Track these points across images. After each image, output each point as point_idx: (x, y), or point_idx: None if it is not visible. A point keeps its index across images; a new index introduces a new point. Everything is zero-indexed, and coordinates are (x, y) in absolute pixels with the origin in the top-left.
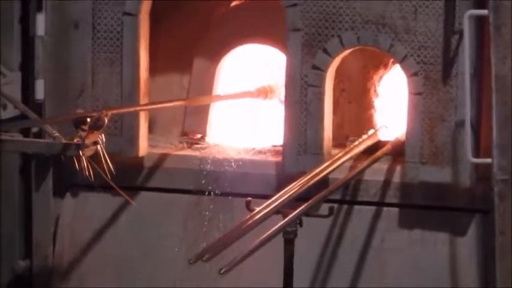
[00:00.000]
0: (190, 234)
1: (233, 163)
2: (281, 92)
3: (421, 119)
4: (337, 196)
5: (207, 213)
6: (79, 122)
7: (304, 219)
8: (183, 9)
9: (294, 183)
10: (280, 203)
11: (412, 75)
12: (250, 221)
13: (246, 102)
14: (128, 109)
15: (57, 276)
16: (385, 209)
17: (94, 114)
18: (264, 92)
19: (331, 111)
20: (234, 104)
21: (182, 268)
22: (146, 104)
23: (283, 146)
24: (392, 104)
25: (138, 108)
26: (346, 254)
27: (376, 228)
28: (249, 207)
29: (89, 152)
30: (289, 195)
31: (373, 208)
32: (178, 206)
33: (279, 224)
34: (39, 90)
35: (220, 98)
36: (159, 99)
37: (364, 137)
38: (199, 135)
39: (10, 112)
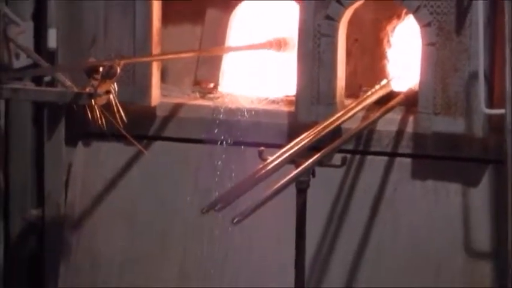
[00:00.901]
0: (202, 184)
1: (246, 113)
2: (295, 45)
3: (434, 69)
4: (350, 146)
5: (219, 162)
6: (91, 71)
7: (317, 169)
8: None
9: (307, 133)
10: (293, 152)
11: (425, 25)
12: (263, 171)
13: (259, 52)
14: (141, 59)
15: (68, 225)
16: (397, 159)
17: (106, 63)
18: (278, 45)
19: (344, 61)
20: (247, 53)
21: (194, 218)
22: (159, 55)
23: (296, 95)
24: (406, 55)
25: (150, 58)
26: (359, 204)
27: (388, 178)
28: (261, 156)
29: (102, 101)
30: (302, 145)
31: (385, 158)
32: (191, 155)
33: (291, 174)
34: (52, 39)
35: (233, 49)
36: (172, 48)
37: (377, 87)
38: (212, 85)
39: (23, 61)
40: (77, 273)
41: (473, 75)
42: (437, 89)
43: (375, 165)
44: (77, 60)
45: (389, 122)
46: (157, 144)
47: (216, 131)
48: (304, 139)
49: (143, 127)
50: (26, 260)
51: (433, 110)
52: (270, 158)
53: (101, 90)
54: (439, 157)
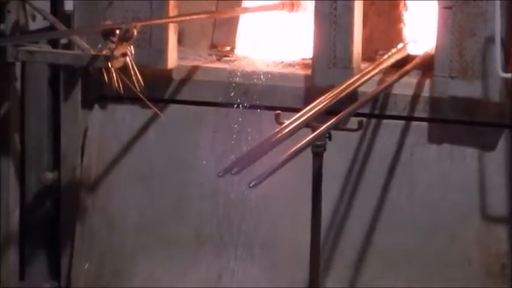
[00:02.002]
0: (218, 147)
1: (262, 76)
2: (307, 6)
3: (450, 33)
4: (366, 110)
5: (235, 126)
6: (108, 34)
7: (333, 132)
8: None
9: (323, 96)
10: (309, 116)
11: None
12: (279, 134)
13: (275, 14)
14: (157, 21)
15: (85, 188)
16: (414, 123)
17: (123, 26)
18: (290, 6)
19: (361, 25)
20: (264, 16)
21: (211, 181)
22: (174, 16)
23: (313, 59)
24: (422, 18)
25: (166, 20)
26: (375, 167)
27: (405, 142)
28: (278, 120)
29: (118, 63)
30: (319, 109)
31: (402, 122)
32: (207, 118)
33: (308, 138)
34: (68, 2)
35: (245, 10)
36: (188, 11)
37: (394, 51)
38: (228, 48)
39: (39, 23)
40: (92, 236)
41: (490, 39)
42: (453, 52)
43: (391, 129)
44: (94, 23)
45: (405, 86)
46: (174, 107)
47: (232, 94)
48: (320, 103)
49: (159, 90)
50: (42, 222)
51: (449, 74)
52: (286, 122)
53: (118, 52)
54: (455, 121)
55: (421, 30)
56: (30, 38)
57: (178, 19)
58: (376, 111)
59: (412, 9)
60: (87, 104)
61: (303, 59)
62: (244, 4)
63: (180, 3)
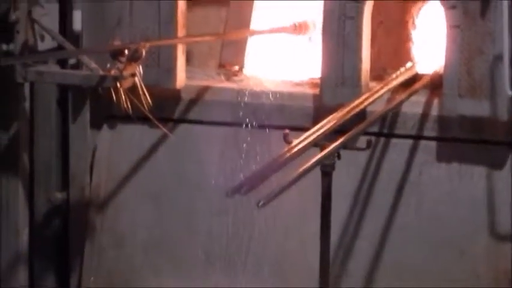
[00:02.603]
0: (227, 167)
1: (270, 95)
2: (315, 29)
3: (459, 52)
4: (374, 129)
5: (244, 145)
6: (117, 54)
7: (342, 151)
8: None
9: (332, 115)
10: (318, 135)
11: (450, 7)
12: (288, 154)
13: (283, 35)
14: (166, 41)
15: (93, 207)
16: (422, 142)
17: (132, 45)
18: (298, 28)
19: (369, 44)
20: (272, 36)
21: (219, 200)
22: (183, 37)
23: (321, 78)
24: (430, 37)
25: (175, 41)
26: (384, 186)
27: (413, 161)
28: (286, 139)
29: (127, 83)
30: (327, 128)
31: (410, 141)
32: (216, 138)
33: (316, 157)
34: (77, 21)
35: (253, 32)
36: (197, 30)
37: (402, 69)
38: (236, 67)
39: (48, 43)
40: (101, 254)
41: (498, 58)
42: (462, 71)
43: (399, 147)
44: (102, 43)
45: (414, 105)
46: (182, 127)
47: (240, 113)
48: (329, 122)
49: (168, 110)
50: (51, 241)
51: (458, 93)
52: (295, 141)
53: (126, 72)
54: (464, 140)
55: (429, 49)
56: (39, 57)
57: (186, 40)
58: (385, 130)
59: (420, 28)
60: (95, 124)
61: (312, 78)
62: (253, 24)
63: (188, 22)
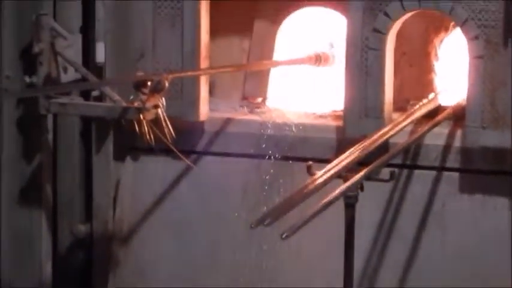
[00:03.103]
0: (250, 199)
1: (294, 127)
2: (334, 60)
3: (482, 83)
4: (397, 160)
5: (267, 177)
6: (140, 85)
7: (365, 183)
8: None
9: (355, 147)
10: (341, 167)
11: (472, 38)
12: (312, 186)
13: (306, 67)
14: (189, 73)
15: (117, 240)
16: (445, 173)
17: (155, 77)
18: (317, 60)
19: (392, 75)
20: (295, 68)
21: (243, 232)
22: (206, 69)
23: (344, 110)
24: (453, 68)
25: (198, 72)
26: (407, 218)
27: (436, 192)
28: (310, 171)
29: (150, 115)
30: (350, 160)
31: (433, 172)
32: (239, 170)
33: (340, 189)
34: (100, 53)
35: (271, 64)
36: (220, 62)
37: (425, 101)
38: (259, 99)
39: (71, 75)
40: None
41: None
42: (485, 102)
43: (422, 179)
44: (125, 75)
45: (437, 136)
46: (206, 159)
47: (263, 145)
48: (352, 154)
49: (191, 141)
50: (74, 275)
51: (480, 124)
52: (318, 173)
53: (149, 104)
54: (487, 171)
55: (452, 80)
56: (61, 89)
57: (209, 71)
58: (408, 162)
59: (443, 59)
60: (119, 156)
61: (334, 111)
62: (275, 55)
63: (211, 53)
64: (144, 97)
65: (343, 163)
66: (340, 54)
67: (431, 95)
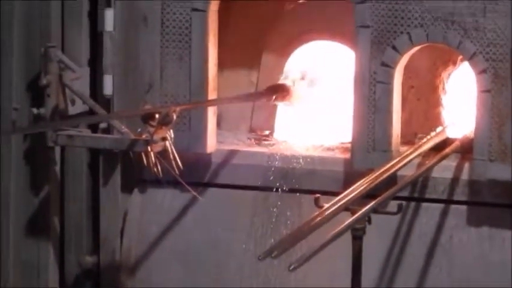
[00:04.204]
0: (257, 231)
1: (301, 160)
2: (299, 94)
3: (489, 116)
4: (405, 193)
5: (274, 209)
6: (147, 118)
7: (372, 216)
8: (251, 3)
9: (363, 180)
10: (348, 199)
11: (480, 72)
12: (319, 218)
13: (314, 99)
14: (196, 105)
15: (124, 271)
16: (453, 206)
17: (162, 109)
18: (280, 93)
19: (400, 108)
20: (302, 100)
21: (250, 264)
22: (213, 100)
23: (352, 142)
24: (461, 101)
25: (205, 104)
26: (415, 250)
27: (444, 225)
28: (317, 203)
29: (158, 147)
30: (358, 192)
31: (441, 205)
32: (246, 202)
33: (347, 221)
34: (108, 86)
35: (225, 101)
36: (227, 95)
37: (433, 134)
38: (267, 132)
39: (79, 107)
40: None
41: None
42: (492, 136)
43: (430, 212)
44: (133, 107)
45: (444, 169)
46: (213, 191)
47: (271, 178)
48: (359, 186)
49: (199, 174)
50: None
51: (488, 157)
52: (326, 205)
53: (157, 137)
54: (495, 204)
55: (460, 113)
56: (70, 123)
57: (216, 103)
58: (416, 195)
59: (451, 93)
60: (126, 188)
61: (342, 143)
62: None
63: (218, 85)
64: (152, 129)
65: (351, 196)
66: (312, 89)
67: (439, 128)
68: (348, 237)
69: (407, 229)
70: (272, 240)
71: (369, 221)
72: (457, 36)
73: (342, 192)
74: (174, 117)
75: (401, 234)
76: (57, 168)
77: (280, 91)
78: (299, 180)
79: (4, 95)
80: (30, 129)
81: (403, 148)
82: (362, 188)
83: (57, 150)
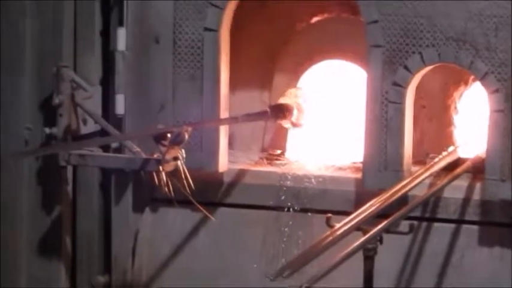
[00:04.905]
0: (269, 250)
1: (313, 179)
2: (300, 114)
3: (501, 136)
4: (417, 213)
5: (286, 229)
6: (159, 137)
7: (384, 235)
8: (263, 24)
9: (374, 200)
10: (360, 219)
11: (492, 92)
12: (331, 238)
13: (325, 118)
14: (208, 124)
15: None
16: (464, 226)
17: (174, 129)
18: (283, 112)
19: (412, 128)
20: (314, 119)
21: (261, 284)
22: (225, 119)
23: (364, 162)
24: (473, 121)
25: (217, 123)
26: (426, 270)
27: (455, 245)
28: (329, 223)
29: (169, 167)
30: (369, 212)
31: (452, 225)
32: (258, 221)
33: (359, 241)
34: (120, 105)
35: (229, 121)
36: (239, 113)
37: (444, 154)
38: (279, 151)
39: (91, 127)
40: None
41: None
42: (504, 156)
43: (441, 232)
44: (145, 127)
45: (456, 189)
46: (225, 210)
47: (283, 197)
48: (371, 206)
49: (210, 193)
50: None
51: (500, 177)
52: (337, 225)
53: (169, 156)
54: (506, 224)
55: (472, 133)
56: (83, 145)
57: (227, 122)
58: (427, 215)
59: (463, 113)
60: (138, 207)
61: (354, 163)
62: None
63: (230, 106)
64: (163, 149)
65: (362, 215)
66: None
67: (450, 148)
68: (359, 256)
69: (419, 249)
70: (283, 260)
71: (381, 241)
72: (468, 56)
73: (353, 212)
74: (186, 136)
75: (412, 254)
76: (69, 187)
77: (282, 111)
78: (311, 200)
79: (16, 115)
80: (42, 151)
81: (415, 168)
82: (373, 207)
83: (69, 169)
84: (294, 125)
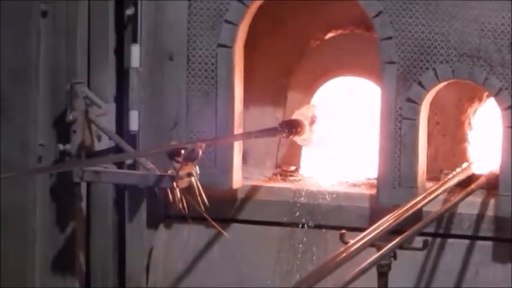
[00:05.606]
0: (283, 267)
1: (327, 195)
2: (311, 130)
3: None
4: (431, 229)
5: (300, 245)
6: (173, 154)
7: (398, 251)
8: (277, 40)
9: (388, 216)
10: (374, 235)
11: (506, 108)
12: (345, 254)
13: (340, 134)
14: (222, 140)
15: None
16: (478, 242)
17: (188, 146)
18: (295, 128)
19: (426, 144)
20: (329, 136)
21: None
22: (239, 135)
23: (378, 178)
24: (487, 137)
25: (231, 139)
26: (440, 286)
27: (469, 261)
28: (343, 239)
29: (183, 183)
30: (384, 228)
31: (466, 241)
32: (272, 238)
33: (373, 257)
34: (134, 122)
35: (242, 136)
36: (253, 129)
37: (458, 170)
38: (293, 167)
39: (104, 143)
40: None
41: None
42: None
43: (456, 248)
44: (159, 143)
45: (470, 205)
46: (239, 227)
47: (297, 213)
48: (385, 222)
49: (224, 209)
50: None
51: None
52: (351, 241)
53: (183, 172)
54: None
55: (485, 149)
56: (97, 161)
57: (241, 137)
58: (441, 231)
59: (476, 129)
60: (152, 224)
61: (368, 179)
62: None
63: (244, 122)
64: (177, 165)
65: (377, 231)
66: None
67: (464, 164)
68: (373, 273)
69: (433, 265)
70: (298, 276)
71: (395, 257)
72: (483, 72)
73: (367, 228)
74: (200, 153)
75: (426, 270)
76: (83, 204)
77: (294, 126)
78: (325, 216)
79: (30, 131)
80: (56, 168)
81: (429, 184)
82: (388, 224)
83: (83, 185)
84: (305, 142)
